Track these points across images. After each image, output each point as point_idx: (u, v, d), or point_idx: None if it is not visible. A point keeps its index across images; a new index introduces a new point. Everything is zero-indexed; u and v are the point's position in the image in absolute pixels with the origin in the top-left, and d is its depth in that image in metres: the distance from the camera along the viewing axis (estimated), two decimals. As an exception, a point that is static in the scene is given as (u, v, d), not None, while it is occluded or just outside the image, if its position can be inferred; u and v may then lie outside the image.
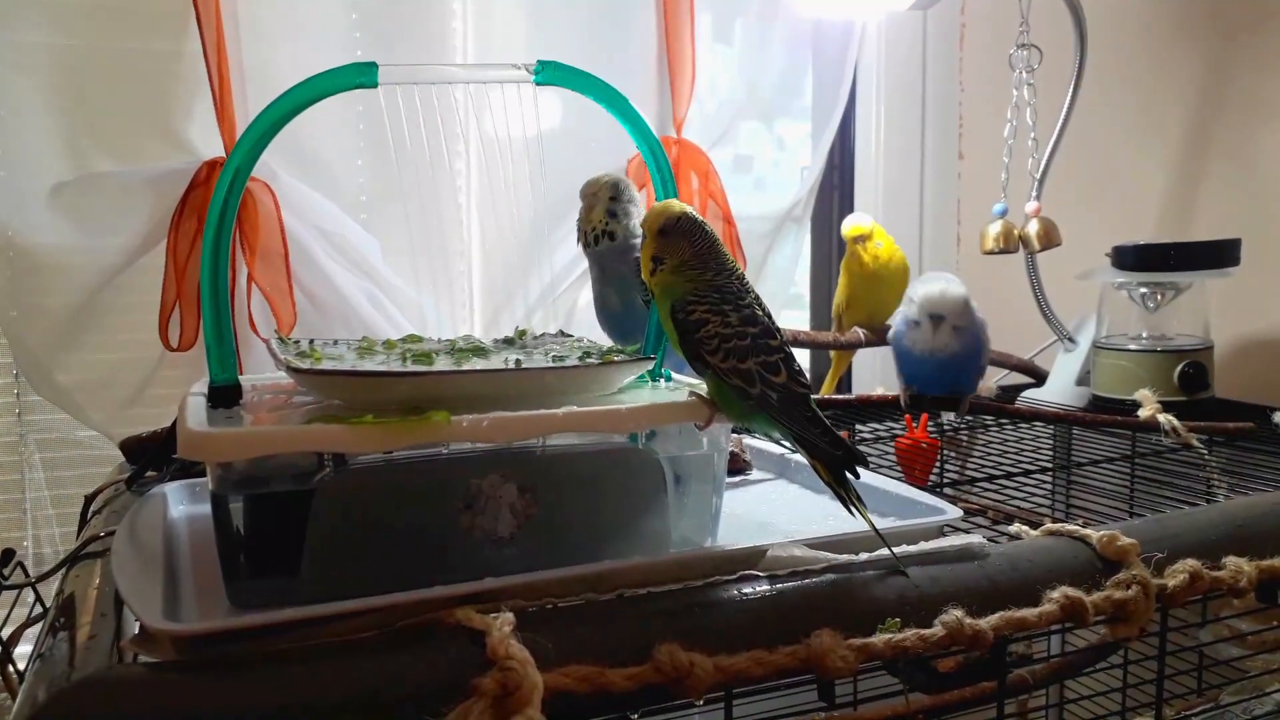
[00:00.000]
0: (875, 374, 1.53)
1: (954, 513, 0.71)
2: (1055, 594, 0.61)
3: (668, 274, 0.67)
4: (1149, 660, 0.76)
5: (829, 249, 1.61)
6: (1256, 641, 0.95)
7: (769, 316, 0.67)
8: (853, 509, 0.63)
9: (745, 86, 1.44)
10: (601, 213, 0.92)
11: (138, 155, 1.11)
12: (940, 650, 0.57)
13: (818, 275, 1.63)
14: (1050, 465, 1.07)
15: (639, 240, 0.86)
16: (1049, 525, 0.69)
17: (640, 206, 0.94)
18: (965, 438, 1.14)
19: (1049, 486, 1.04)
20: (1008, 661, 0.63)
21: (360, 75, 0.64)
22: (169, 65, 1.11)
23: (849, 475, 0.64)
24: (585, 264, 1.31)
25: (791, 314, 1.63)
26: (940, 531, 0.69)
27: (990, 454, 1.08)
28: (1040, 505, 0.92)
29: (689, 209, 0.68)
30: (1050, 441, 1.16)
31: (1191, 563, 0.66)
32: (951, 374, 1.07)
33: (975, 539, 0.65)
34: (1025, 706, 1.11)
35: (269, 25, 1.14)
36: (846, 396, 1.18)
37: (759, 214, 1.45)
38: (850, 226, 1.27)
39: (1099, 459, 1.08)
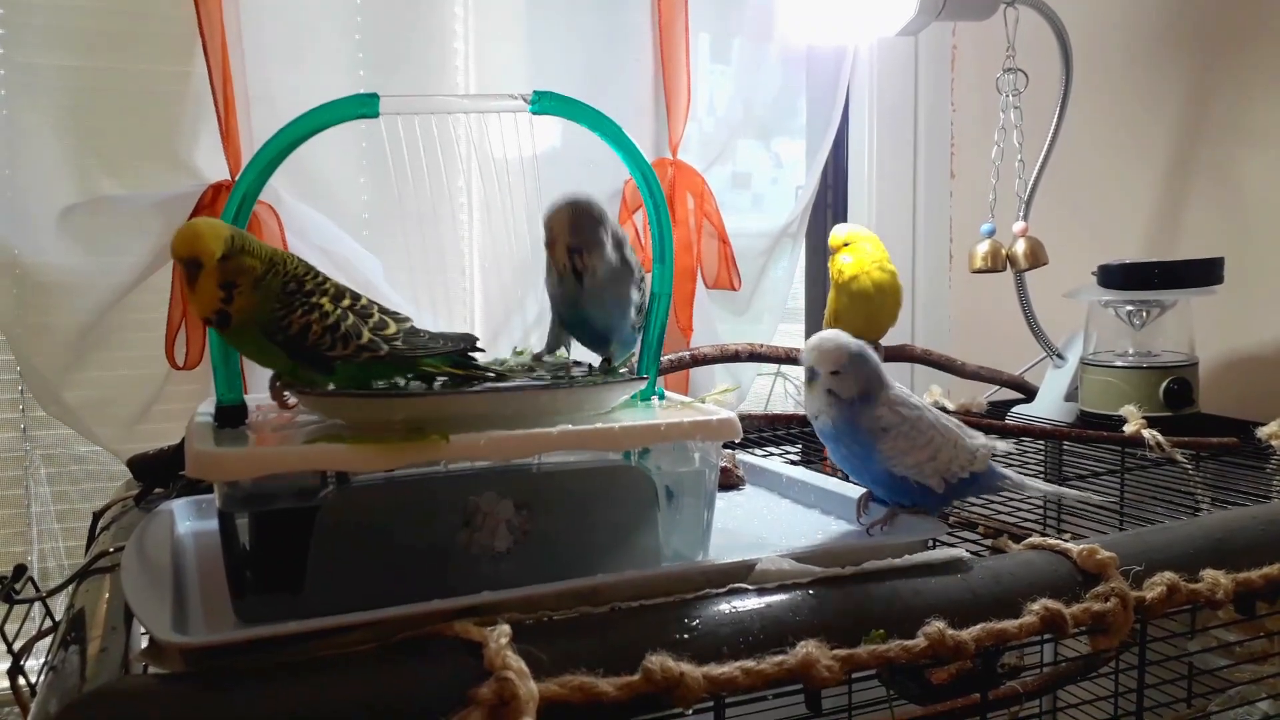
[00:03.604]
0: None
1: (939, 527, 0.73)
2: (1035, 606, 0.62)
3: (249, 295, 0.61)
4: (1137, 670, 0.78)
5: (824, 267, 1.63)
6: (1244, 653, 0.97)
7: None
8: None
9: (742, 105, 1.46)
10: (563, 251, 0.75)
11: (144, 178, 1.13)
12: (922, 660, 0.59)
13: (812, 293, 1.66)
14: (1041, 479, 1.09)
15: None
16: (1031, 539, 0.71)
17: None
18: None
19: (1040, 501, 1.06)
20: (1000, 672, 0.65)
21: (362, 106, 0.67)
22: (175, 88, 1.13)
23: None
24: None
25: (788, 327, 1.65)
26: (925, 545, 0.71)
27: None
28: (1034, 519, 0.94)
29: (212, 220, 0.62)
30: (1041, 456, 1.18)
31: (1169, 575, 0.67)
32: (851, 464, 0.77)
33: (959, 552, 0.66)
34: (1016, 716, 1.13)
35: (273, 49, 1.16)
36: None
37: (757, 231, 1.47)
38: (831, 237, 1.24)
39: (1088, 474, 1.10)
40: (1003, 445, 0.79)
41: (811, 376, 0.75)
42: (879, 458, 0.73)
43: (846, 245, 1.24)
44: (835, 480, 0.85)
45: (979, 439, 0.77)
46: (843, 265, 1.24)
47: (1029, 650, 0.99)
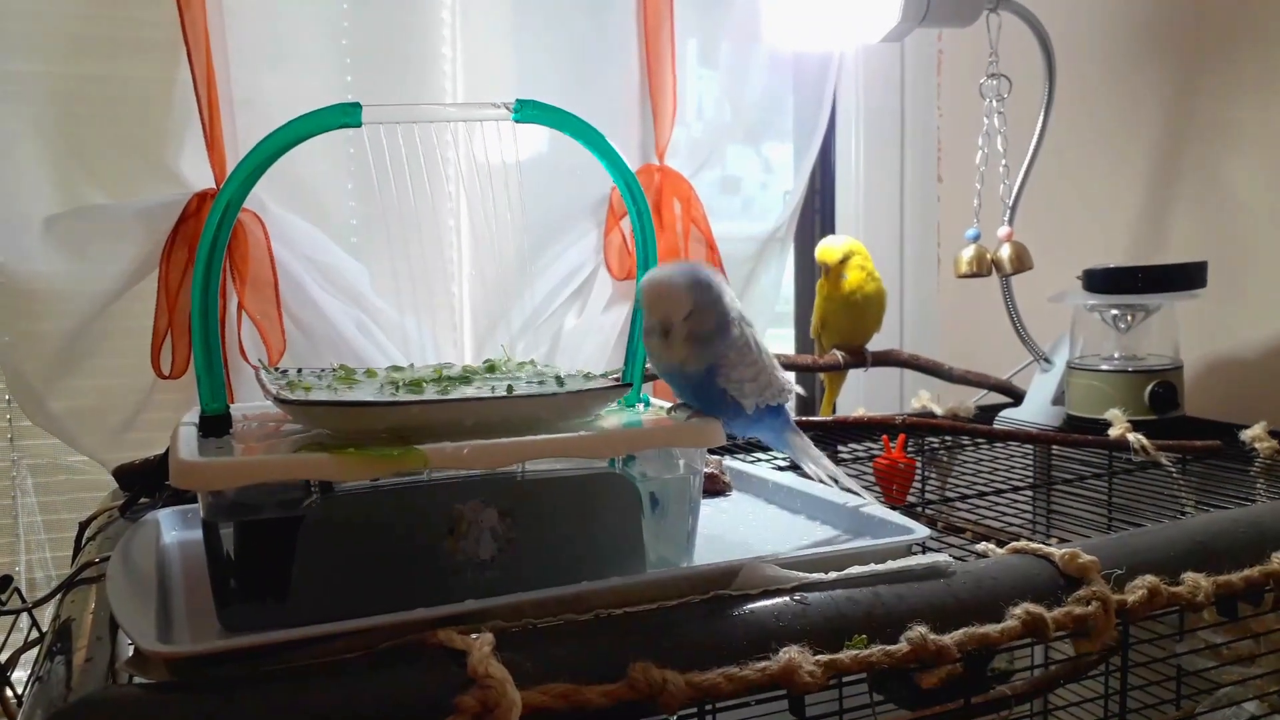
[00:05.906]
0: (857, 396, 1.56)
1: (922, 531, 0.73)
2: (1017, 610, 0.63)
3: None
4: (1129, 671, 0.78)
5: (811, 271, 1.64)
6: (1230, 654, 0.98)
7: None
8: None
9: (730, 108, 1.47)
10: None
11: (129, 186, 1.13)
12: (905, 665, 0.59)
13: (801, 297, 1.66)
14: (1027, 484, 1.09)
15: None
16: (1014, 544, 0.71)
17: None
18: (945, 457, 1.16)
19: (1029, 504, 1.06)
20: (989, 676, 0.65)
21: (345, 115, 0.67)
22: (159, 95, 1.13)
23: None
24: (569, 290, 1.34)
25: (777, 332, 1.65)
26: (909, 550, 0.71)
27: (966, 473, 1.10)
28: (1022, 523, 0.94)
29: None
30: (1029, 460, 1.18)
31: (1150, 579, 0.68)
32: (673, 376, 0.71)
33: (941, 557, 0.67)
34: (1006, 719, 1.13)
35: (258, 55, 1.16)
36: (825, 419, 1.20)
37: (745, 235, 1.48)
38: (820, 251, 1.27)
39: (1074, 478, 1.10)
40: (798, 388, 0.77)
41: (665, 330, 0.67)
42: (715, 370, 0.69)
43: (835, 255, 1.27)
44: (821, 486, 0.85)
45: (785, 374, 0.74)
46: (830, 274, 1.27)
47: (1022, 653, 0.99)
